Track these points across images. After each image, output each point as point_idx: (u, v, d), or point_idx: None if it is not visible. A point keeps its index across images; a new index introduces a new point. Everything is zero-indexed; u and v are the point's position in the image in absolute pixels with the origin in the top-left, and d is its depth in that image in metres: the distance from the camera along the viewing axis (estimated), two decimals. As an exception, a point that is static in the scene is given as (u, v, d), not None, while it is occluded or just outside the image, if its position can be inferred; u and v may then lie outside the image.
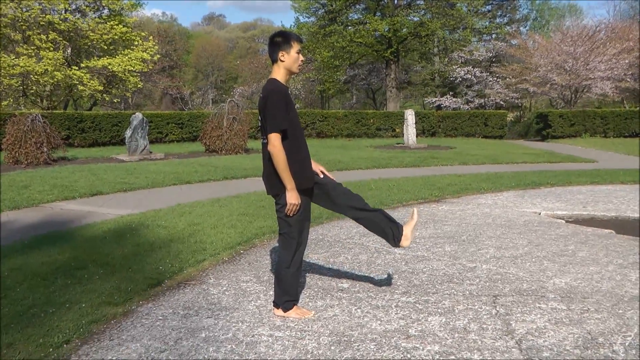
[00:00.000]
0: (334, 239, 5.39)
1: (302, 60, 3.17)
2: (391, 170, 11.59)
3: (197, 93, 44.85)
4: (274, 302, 3.38)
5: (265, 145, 3.09)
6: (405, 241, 3.29)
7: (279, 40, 3.14)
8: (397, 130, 24.04)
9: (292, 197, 3.05)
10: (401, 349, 2.89)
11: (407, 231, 3.31)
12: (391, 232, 3.27)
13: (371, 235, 5.51)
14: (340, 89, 36.15)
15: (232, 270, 4.36)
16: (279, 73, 3.15)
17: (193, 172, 10.70)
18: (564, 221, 6.29)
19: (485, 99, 31.47)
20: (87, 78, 21.57)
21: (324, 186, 3.26)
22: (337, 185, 3.31)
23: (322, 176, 3.29)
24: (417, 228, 3.19)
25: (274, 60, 3.16)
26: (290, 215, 3.08)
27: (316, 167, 3.32)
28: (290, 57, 3.13)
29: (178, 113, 21.82)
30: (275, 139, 2.97)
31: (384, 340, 2.99)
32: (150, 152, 14.85)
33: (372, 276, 4.18)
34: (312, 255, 4.87)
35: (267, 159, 3.08)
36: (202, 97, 44.15)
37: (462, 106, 31.58)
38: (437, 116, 24.94)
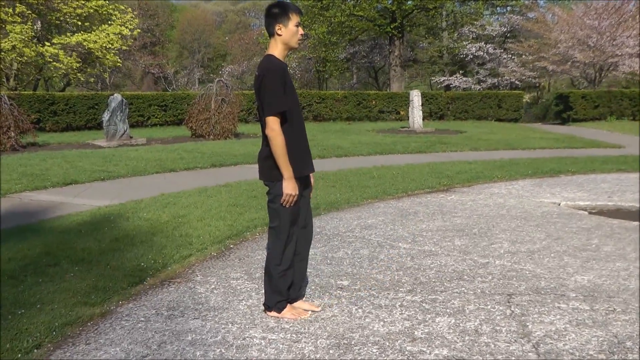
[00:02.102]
0: (333, 232, 5.40)
1: (301, 34, 3.15)
2: (395, 157, 11.64)
3: (182, 72, 44.54)
4: (264, 303, 3.37)
5: (261, 126, 3.11)
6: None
7: (276, 11, 3.12)
8: (402, 112, 24.04)
9: (289, 187, 3.03)
10: (406, 352, 2.89)
11: (301, 305, 3.34)
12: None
13: (373, 228, 5.54)
14: (340, 68, 36.05)
15: (221, 266, 4.36)
16: (276, 48, 3.13)
17: (178, 158, 10.73)
18: (586, 212, 6.31)
19: (499, 79, 31.42)
20: (62, 54, 21.40)
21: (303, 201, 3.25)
22: (308, 211, 3.30)
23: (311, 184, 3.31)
24: (303, 314, 3.35)
25: (271, 34, 3.14)
26: (287, 206, 3.08)
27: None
28: (289, 31, 3.10)
29: (161, 94, 21.82)
30: (273, 123, 2.97)
31: (387, 343, 2.99)
32: (131, 137, 14.85)
33: (374, 273, 4.19)
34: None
35: (265, 143, 3.09)
36: (187, 77, 43.86)
37: (473, 86, 31.57)
38: (446, 97, 24.94)
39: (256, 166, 3.28)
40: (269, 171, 3.11)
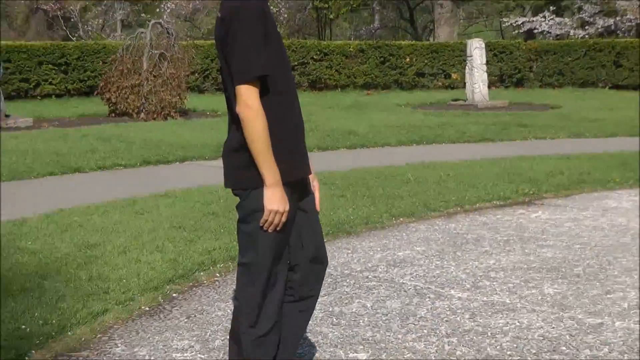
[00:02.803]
0: (342, 272, 5.44)
1: None
2: (444, 148, 11.56)
3: (95, 10, 43.52)
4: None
5: (228, 101, 3.10)
6: None
7: None
8: (455, 76, 23.76)
9: (275, 198, 2.97)
10: None
11: None
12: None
13: (408, 265, 5.55)
14: (352, 3, 34.02)
15: (157, 329, 4.31)
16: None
17: (87, 151, 10.51)
18: None
19: (617, 19, 30.25)
20: None
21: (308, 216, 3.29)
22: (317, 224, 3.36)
23: (316, 194, 3.31)
24: None
25: None
26: (268, 229, 3.01)
27: (313, 178, 3.32)
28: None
29: (59, 45, 21.30)
30: (248, 95, 2.95)
31: None
32: (7, 117, 14.53)
33: (409, 340, 4.09)
34: None
35: (235, 128, 3.07)
36: (103, 17, 43.02)
37: (573, 32, 30.62)
38: (527, 50, 24.50)
39: (217, 164, 3.52)
40: (239, 173, 3.06)
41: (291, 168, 3.05)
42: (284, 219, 3.02)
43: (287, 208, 3.01)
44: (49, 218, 6.70)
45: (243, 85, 2.96)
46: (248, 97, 2.95)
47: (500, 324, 4.28)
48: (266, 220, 3.00)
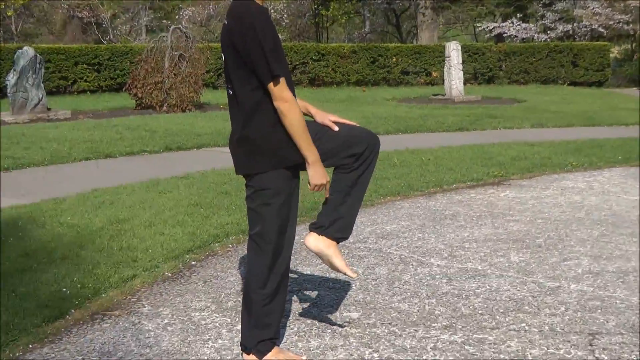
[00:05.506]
0: None
1: None
2: (425, 137, 11.72)
3: (123, 17, 44.02)
4: (241, 343, 3.39)
5: (232, 97, 3.21)
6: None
7: None
8: (435, 74, 24.28)
9: (317, 175, 3.16)
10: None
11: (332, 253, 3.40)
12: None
13: (394, 237, 5.63)
14: (347, 10, 35.51)
15: (178, 292, 4.40)
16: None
17: (117, 139, 10.84)
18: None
19: (575, 25, 31.23)
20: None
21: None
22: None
23: (335, 129, 3.38)
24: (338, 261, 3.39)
25: None
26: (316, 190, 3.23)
27: (324, 116, 3.42)
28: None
29: (92, 48, 21.81)
30: (281, 90, 3.06)
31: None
32: (49, 109, 14.88)
33: (395, 301, 4.20)
34: (302, 267, 4.88)
35: (242, 121, 3.16)
36: (130, 23, 43.45)
37: (536, 36, 31.58)
38: (498, 52, 25.13)
39: (229, 150, 3.30)
40: (249, 158, 3.19)
41: (295, 153, 3.17)
42: (327, 187, 3.23)
43: (328, 179, 3.19)
44: (84, 197, 6.91)
45: (276, 83, 3.05)
46: (282, 91, 3.06)
47: (473, 287, 4.41)
48: (315, 188, 3.18)
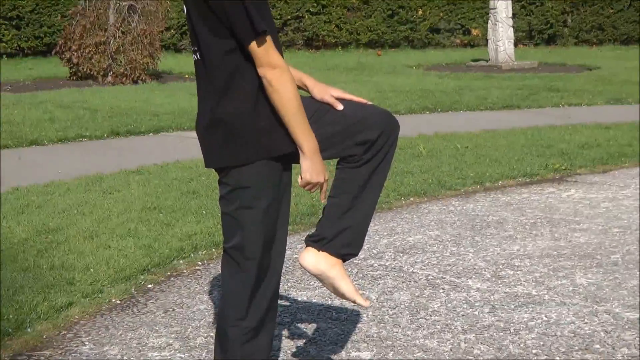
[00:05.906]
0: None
1: None
2: (462, 117, 11.38)
3: None
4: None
5: (200, 64, 2.96)
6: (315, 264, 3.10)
7: None
8: (475, 32, 23.34)
9: (314, 169, 2.93)
10: None
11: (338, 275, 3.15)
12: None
13: (419, 252, 5.46)
14: None
15: (130, 325, 4.23)
16: None
17: (45, 121, 10.20)
18: None
19: None
20: None
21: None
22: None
23: (339, 108, 3.12)
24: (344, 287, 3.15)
25: None
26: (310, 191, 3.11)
27: (323, 91, 3.14)
28: None
29: None
30: (268, 52, 2.83)
31: None
32: None
33: (420, 337, 4.03)
34: (295, 292, 4.72)
35: (213, 99, 2.93)
36: None
37: None
38: (561, 1, 23.85)
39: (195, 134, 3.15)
40: (224, 146, 2.95)
41: (286, 140, 2.91)
42: (325, 188, 2.99)
43: (327, 177, 2.97)
44: (2, 198, 6.49)
45: (259, 42, 2.79)
46: (269, 53, 2.80)
47: (525, 319, 4.19)
48: (310, 187, 2.97)
